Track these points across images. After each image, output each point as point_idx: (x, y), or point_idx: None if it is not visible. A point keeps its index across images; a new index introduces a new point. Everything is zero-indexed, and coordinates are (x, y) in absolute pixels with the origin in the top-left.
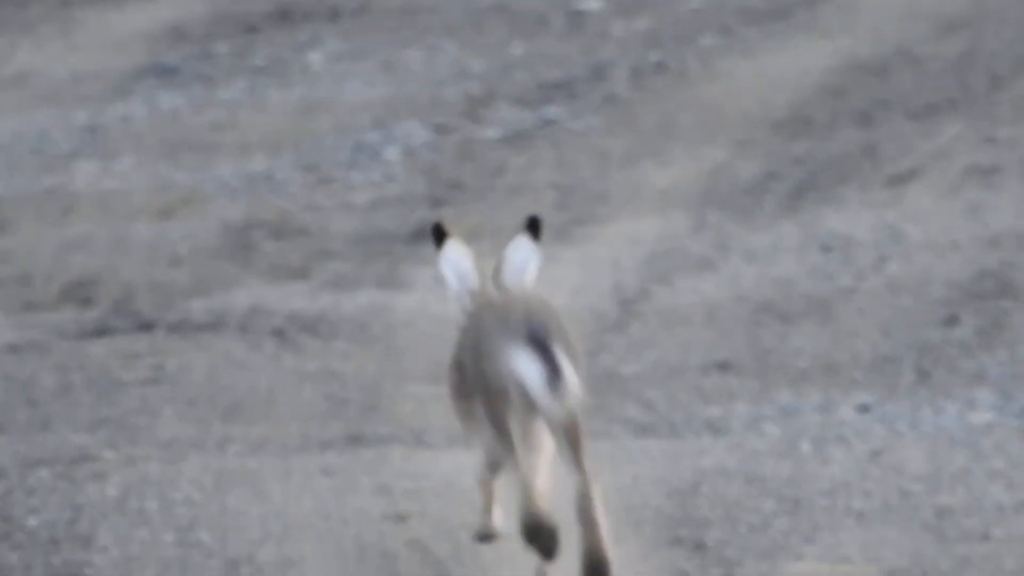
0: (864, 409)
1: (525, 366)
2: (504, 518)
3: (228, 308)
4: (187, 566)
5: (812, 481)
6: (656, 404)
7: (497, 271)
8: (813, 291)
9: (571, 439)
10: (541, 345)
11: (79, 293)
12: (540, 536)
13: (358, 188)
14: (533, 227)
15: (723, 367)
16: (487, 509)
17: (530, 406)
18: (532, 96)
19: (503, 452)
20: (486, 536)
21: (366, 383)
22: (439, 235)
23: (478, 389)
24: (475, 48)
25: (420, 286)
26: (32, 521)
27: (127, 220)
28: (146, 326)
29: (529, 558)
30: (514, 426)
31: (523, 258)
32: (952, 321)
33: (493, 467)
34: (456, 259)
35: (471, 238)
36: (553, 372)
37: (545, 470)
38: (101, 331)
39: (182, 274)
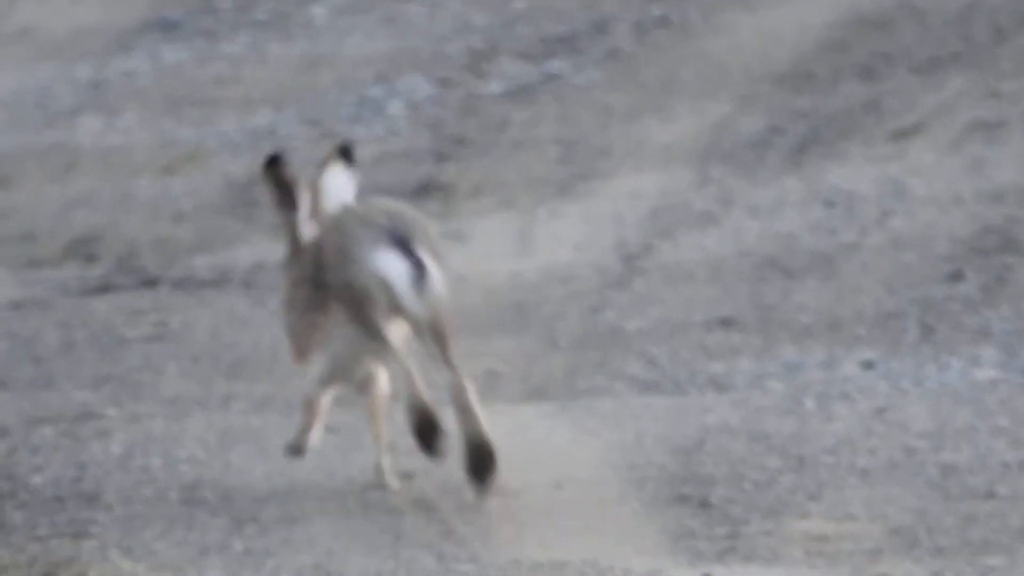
0: (868, 366)
1: (390, 265)
2: (321, 437)
3: (232, 264)
4: (191, 524)
5: (816, 438)
6: (659, 361)
7: (315, 201)
8: (816, 246)
9: (438, 335)
10: (405, 244)
11: (82, 249)
12: (427, 428)
13: (361, 143)
14: (346, 153)
15: (726, 323)
16: (307, 427)
17: (394, 306)
18: (535, 50)
19: (379, 349)
20: (297, 450)
21: None
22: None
23: (340, 297)
24: (477, 2)
25: None
26: (36, 479)
27: (130, 176)
28: (150, 283)
29: (533, 516)
30: (385, 324)
31: (341, 186)
32: (956, 277)
33: (327, 382)
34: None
35: (474, 193)
36: (417, 270)
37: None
38: (104, 288)
39: (185, 230)
